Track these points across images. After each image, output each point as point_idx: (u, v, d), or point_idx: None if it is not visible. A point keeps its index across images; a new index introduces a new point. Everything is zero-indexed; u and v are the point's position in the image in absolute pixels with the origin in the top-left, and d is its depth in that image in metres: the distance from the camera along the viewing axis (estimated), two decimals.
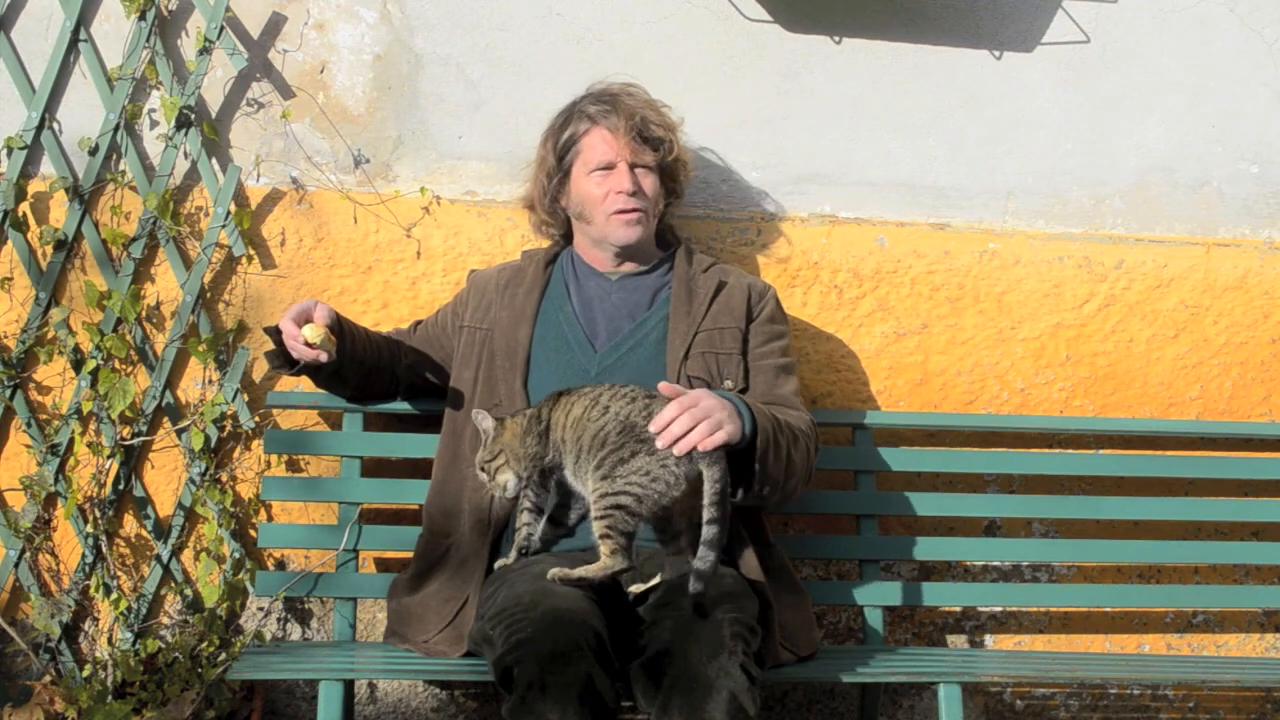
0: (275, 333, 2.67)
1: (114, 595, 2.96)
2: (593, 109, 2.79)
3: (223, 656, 2.88)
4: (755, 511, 2.72)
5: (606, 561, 2.36)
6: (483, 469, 2.55)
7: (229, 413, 3.01)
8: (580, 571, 2.37)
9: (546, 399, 2.55)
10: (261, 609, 3.05)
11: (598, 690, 2.21)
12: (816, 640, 2.77)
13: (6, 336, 2.99)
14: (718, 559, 2.32)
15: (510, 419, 2.54)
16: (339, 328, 2.68)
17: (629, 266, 2.85)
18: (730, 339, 2.77)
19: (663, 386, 2.43)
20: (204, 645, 2.88)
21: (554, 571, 2.38)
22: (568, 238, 2.93)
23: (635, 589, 2.44)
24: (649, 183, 2.80)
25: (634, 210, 2.76)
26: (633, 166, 2.77)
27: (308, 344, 2.59)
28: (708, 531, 2.32)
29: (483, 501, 2.68)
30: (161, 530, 3.02)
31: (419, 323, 2.95)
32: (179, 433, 3.01)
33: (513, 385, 2.73)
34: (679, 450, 2.34)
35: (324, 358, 2.60)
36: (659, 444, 2.35)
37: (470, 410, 2.73)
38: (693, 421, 2.35)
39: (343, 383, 2.84)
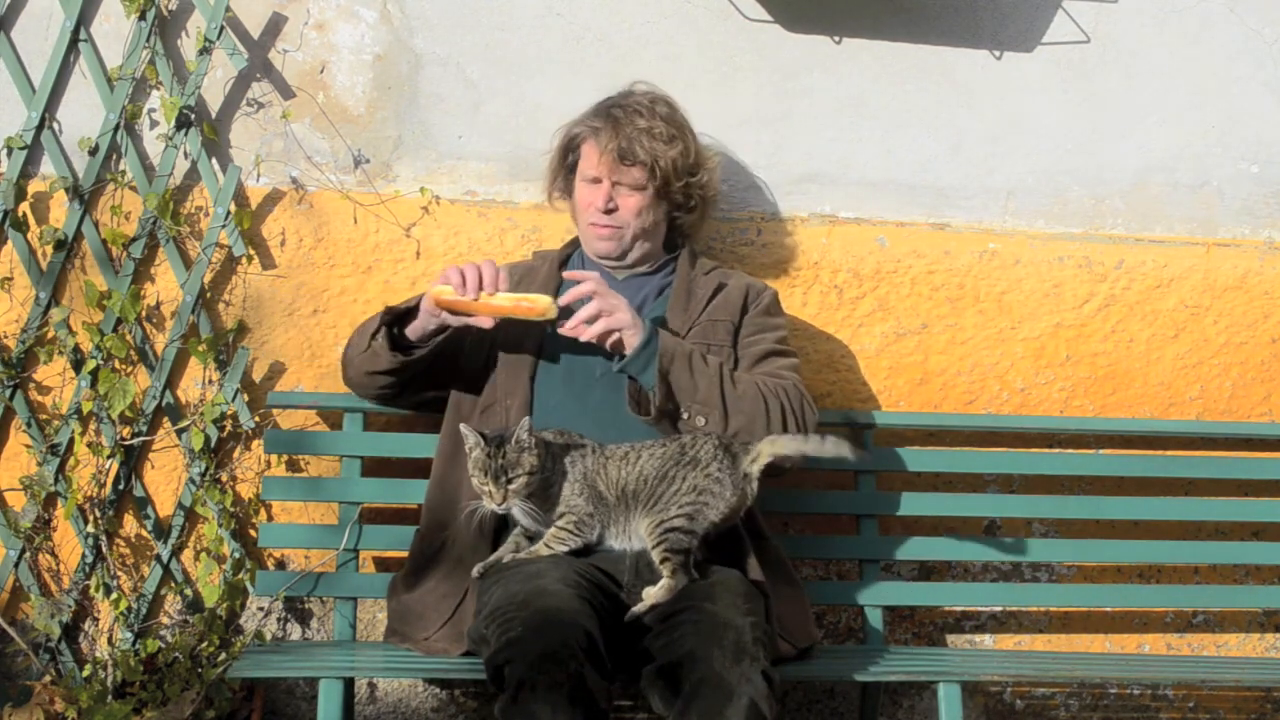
0: (390, 316, 2.73)
1: (114, 595, 2.95)
2: (594, 122, 2.81)
3: (223, 656, 2.88)
4: (750, 508, 2.72)
5: (669, 582, 2.44)
6: (499, 478, 2.46)
7: (229, 413, 3.01)
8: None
9: (569, 451, 2.56)
10: (261, 609, 3.05)
11: (589, 690, 2.22)
12: (814, 633, 2.79)
13: (6, 336, 2.99)
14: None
15: (535, 448, 2.51)
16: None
17: (635, 266, 2.87)
18: (723, 331, 2.80)
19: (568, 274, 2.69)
20: (204, 645, 2.88)
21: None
22: None
23: (638, 609, 2.46)
24: (630, 202, 2.80)
25: (605, 227, 2.80)
26: (614, 184, 2.79)
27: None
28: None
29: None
30: (161, 530, 3.02)
31: None
32: (179, 433, 3.01)
33: (520, 379, 2.74)
34: (589, 335, 2.59)
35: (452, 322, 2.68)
36: (571, 331, 2.58)
37: (475, 406, 2.74)
38: (605, 321, 2.59)
39: (405, 380, 2.81)
